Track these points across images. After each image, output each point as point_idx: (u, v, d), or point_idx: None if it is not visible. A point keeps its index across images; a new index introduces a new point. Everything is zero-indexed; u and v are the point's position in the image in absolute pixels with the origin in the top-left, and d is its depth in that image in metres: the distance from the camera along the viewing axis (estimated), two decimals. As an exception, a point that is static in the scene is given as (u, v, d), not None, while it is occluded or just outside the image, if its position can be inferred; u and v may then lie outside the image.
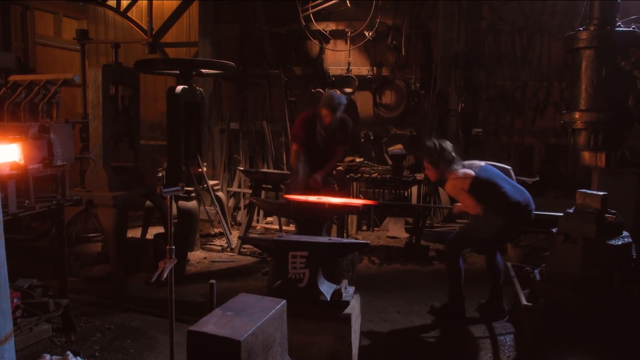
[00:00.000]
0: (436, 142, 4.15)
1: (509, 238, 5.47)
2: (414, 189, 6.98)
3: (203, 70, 6.32)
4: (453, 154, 4.16)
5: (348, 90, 7.77)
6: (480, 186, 4.08)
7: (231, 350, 2.08)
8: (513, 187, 4.19)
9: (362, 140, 7.83)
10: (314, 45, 7.90)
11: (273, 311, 2.36)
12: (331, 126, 5.15)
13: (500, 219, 4.08)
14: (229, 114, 8.15)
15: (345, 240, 3.56)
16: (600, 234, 3.53)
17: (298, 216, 4.14)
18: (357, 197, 7.23)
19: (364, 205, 4.39)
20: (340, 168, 6.20)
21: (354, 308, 3.23)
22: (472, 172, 4.13)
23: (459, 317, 4.24)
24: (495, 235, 4.24)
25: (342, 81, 7.81)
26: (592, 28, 4.42)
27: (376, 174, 6.20)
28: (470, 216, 4.59)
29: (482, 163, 4.29)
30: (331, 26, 7.82)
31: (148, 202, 5.79)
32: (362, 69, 7.86)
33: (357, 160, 6.46)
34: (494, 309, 4.30)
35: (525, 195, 4.16)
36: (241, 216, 7.67)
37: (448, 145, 4.18)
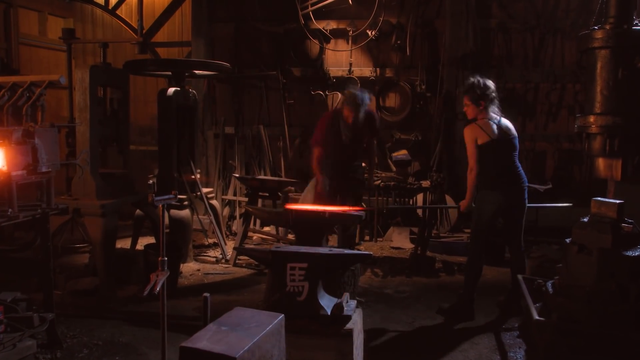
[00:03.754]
0: (480, 79, 4.50)
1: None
2: (420, 197, 7.00)
3: (196, 72, 6.36)
4: (494, 94, 4.51)
5: (349, 92, 7.80)
6: (490, 151, 4.42)
7: (226, 367, 2.09)
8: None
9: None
10: (314, 45, 7.95)
11: (270, 326, 2.37)
12: (355, 125, 5.35)
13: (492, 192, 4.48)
14: (224, 117, 8.18)
15: (346, 251, 3.57)
16: (617, 245, 3.54)
17: (297, 226, 4.16)
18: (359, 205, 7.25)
19: (366, 214, 4.45)
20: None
21: (356, 323, 3.24)
22: (495, 133, 4.44)
23: (467, 318, 4.59)
24: (497, 211, 4.52)
25: (343, 83, 7.85)
26: (607, 27, 4.44)
27: (379, 181, 6.21)
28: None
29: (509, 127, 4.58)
30: (332, 25, 7.87)
31: (138, 211, 5.81)
32: (365, 70, 7.90)
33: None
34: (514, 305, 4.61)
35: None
36: (236, 226, 7.68)
37: (491, 84, 4.52)
